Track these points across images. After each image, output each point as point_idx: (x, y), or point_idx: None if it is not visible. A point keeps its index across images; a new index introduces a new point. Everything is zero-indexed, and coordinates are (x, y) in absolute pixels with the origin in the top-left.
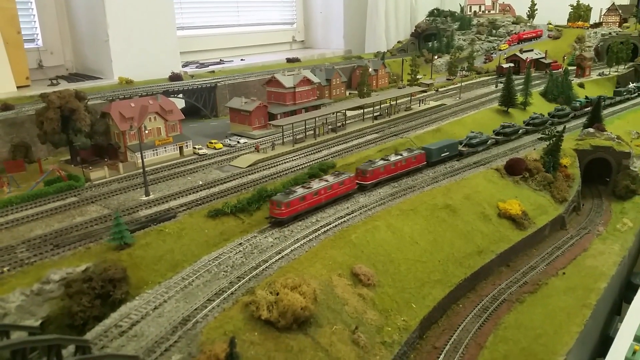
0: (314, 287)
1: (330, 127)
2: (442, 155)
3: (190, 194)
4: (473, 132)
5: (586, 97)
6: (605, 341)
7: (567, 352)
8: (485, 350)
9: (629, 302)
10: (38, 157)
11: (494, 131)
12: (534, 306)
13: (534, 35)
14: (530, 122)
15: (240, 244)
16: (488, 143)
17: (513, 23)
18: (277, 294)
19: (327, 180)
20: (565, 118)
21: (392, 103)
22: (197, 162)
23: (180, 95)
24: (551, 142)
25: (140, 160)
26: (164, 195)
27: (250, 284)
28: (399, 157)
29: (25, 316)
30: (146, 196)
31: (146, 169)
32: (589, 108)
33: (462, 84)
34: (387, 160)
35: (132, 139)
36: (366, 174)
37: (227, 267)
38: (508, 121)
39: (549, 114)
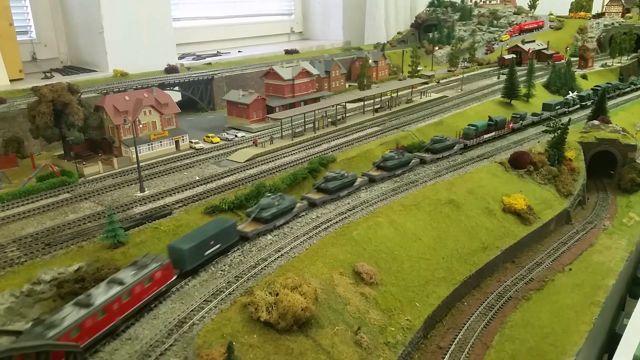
0: (315, 286)
1: (330, 120)
2: (207, 253)
3: (186, 189)
4: (436, 136)
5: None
6: (611, 338)
7: (577, 352)
8: (491, 350)
9: (634, 297)
10: (31, 152)
11: (422, 146)
12: (541, 303)
13: (535, 26)
14: (431, 146)
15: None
16: (412, 163)
17: (514, 14)
18: (277, 294)
19: (122, 283)
20: (447, 151)
21: (393, 95)
22: (193, 156)
23: (177, 88)
24: (556, 134)
25: (135, 155)
26: (159, 191)
27: (248, 284)
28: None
29: (15, 318)
30: (141, 192)
31: (141, 164)
32: (489, 135)
33: (464, 75)
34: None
35: (126, 133)
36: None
37: (224, 265)
38: (495, 116)
39: (422, 146)
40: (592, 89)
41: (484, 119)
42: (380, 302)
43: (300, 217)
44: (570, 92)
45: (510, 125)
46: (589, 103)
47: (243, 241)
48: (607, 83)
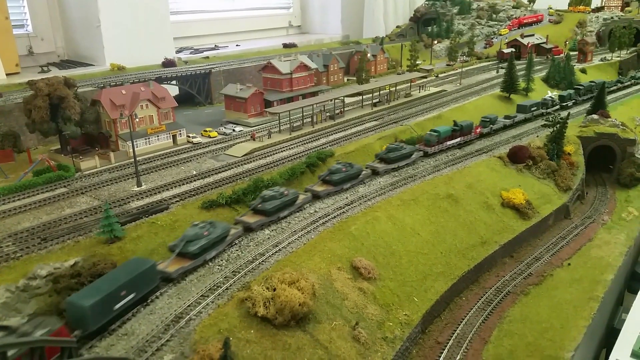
0: (313, 281)
1: (328, 114)
2: (118, 306)
3: (183, 184)
4: (392, 144)
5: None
6: (610, 333)
7: (575, 347)
8: (489, 345)
9: (633, 291)
10: (27, 147)
11: (376, 155)
12: (540, 298)
13: (534, 19)
14: (385, 155)
15: None
16: (362, 175)
17: (513, 7)
18: (274, 289)
19: None
20: (404, 160)
21: (391, 89)
22: (191, 151)
23: (174, 82)
24: (555, 129)
25: (132, 150)
26: (156, 185)
27: (246, 279)
28: None
29: (11, 314)
30: (138, 187)
31: (138, 158)
32: (454, 141)
33: (463, 69)
34: None
35: (123, 128)
36: None
37: (221, 260)
38: (462, 120)
39: (376, 155)
40: (574, 88)
41: (483, 114)
42: (378, 297)
43: (234, 245)
44: (549, 91)
45: (478, 130)
46: (570, 103)
47: (167, 282)
48: (590, 82)
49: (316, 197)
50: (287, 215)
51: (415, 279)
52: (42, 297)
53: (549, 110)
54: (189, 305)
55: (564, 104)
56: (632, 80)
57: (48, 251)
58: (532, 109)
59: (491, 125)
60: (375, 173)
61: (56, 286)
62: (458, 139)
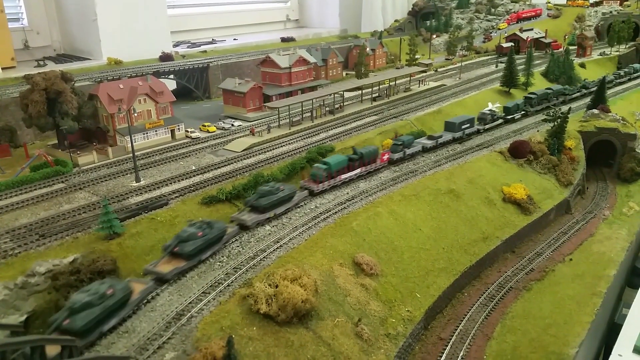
0: (315, 278)
1: (327, 109)
2: None
3: (182, 179)
4: (266, 185)
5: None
6: (610, 328)
7: (579, 343)
8: (492, 341)
9: (634, 286)
10: (24, 142)
11: (246, 203)
12: (542, 294)
13: (533, 14)
14: (256, 202)
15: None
16: (226, 236)
17: (512, 1)
18: (277, 286)
19: None
20: (281, 206)
21: (391, 84)
22: (189, 146)
23: (171, 76)
24: (556, 123)
25: (130, 145)
26: (155, 181)
27: (247, 276)
28: None
29: (9, 311)
30: (137, 182)
31: (136, 153)
32: (350, 174)
33: (462, 63)
34: None
35: (121, 122)
36: None
37: (222, 257)
38: (363, 147)
39: (246, 202)
40: (525, 97)
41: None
42: (380, 293)
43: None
44: (489, 103)
45: (386, 157)
46: (518, 115)
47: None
48: (547, 89)
49: (244, 227)
50: (283, 212)
51: (418, 274)
52: (41, 294)
53: (487, 126)
54: (190, 302)
55: (510, 116)
56: (583, 90)
57: (46, 248)
58: (464, 126)
59: (404, 150)
60: (242, 228)
61: (55, 283)
62: (357, 170)
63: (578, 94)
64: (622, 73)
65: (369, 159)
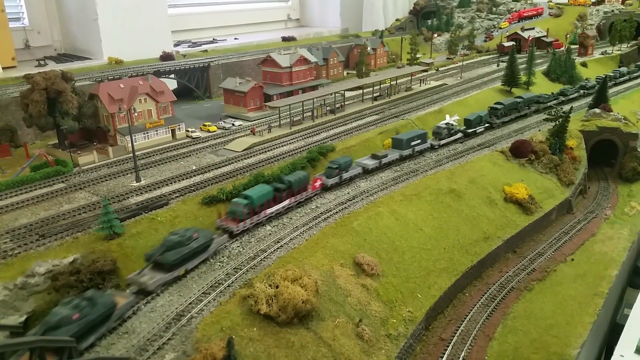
0: (315, 278)
1: (328, 108)
2: None
3: (183, 179)
4: (175, 232)
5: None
6: (612, 328)
7: (581, 344)
8: (494, 342)
9: (636, 287)
10: (24, 142)
11: (147, 258)
12: (544, 294)
13: (534, 13)
14: (161, 256)
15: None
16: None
17: (513, 0)
18: (277, 286)
19: None
20: (190, 262)
21: (392, 83)
22: (190, 145)
23: (172, 76)
24: (557, 123)
25: (130, 144)
26: (155, 181)
27: (248, 276)
28: None
29: (9, 312)
30: (137, 182)
31: (137, 153)
32: (277, 207)
33: (463, 63)
34: None
35: (121, 122)
36: None
37: (223, 257)
38: (292, 174)
39: (146, 256)
40: (489, 108)
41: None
42: (381, 294)
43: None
44: (447, 115)
45: (319, 183)
46: (480, 129)
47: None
48: (517, 97)
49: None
50: (194, 267)
51: (419, 275)
52: (41, 294)
53: (442, 142)
54: (190, 303)
55: (471, 130)
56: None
57: (46, 248)
58: (414, 142)
59: (341, 173)
60: (143, 292)
61: (55, 284)
62: (286, 202)
63: (555, 101)
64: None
65: (298, 187)
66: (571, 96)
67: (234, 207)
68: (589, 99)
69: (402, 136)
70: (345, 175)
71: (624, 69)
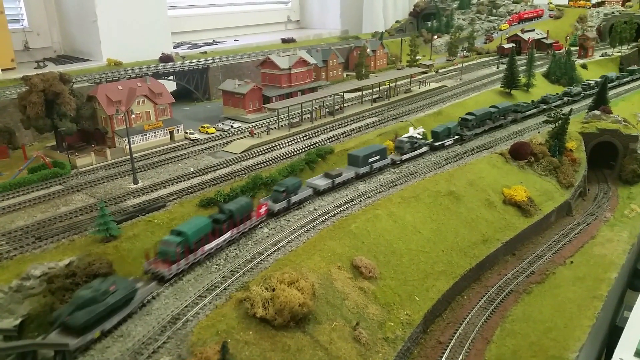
0: (312, 281)
1: (327, 110)
2: None
3: (180, 181)
4: (87, 287)
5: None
6: (611, 331)
7: (580, 347)
8: (492, 345)
9: (635, 289)
10: (22, 143)
11: (53, 321)
12: (542, 297)
13: (534, 14)
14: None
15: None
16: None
17: (513, 2)
18: (274, 289)
19: None
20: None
21: (391, 85)
22: (188, 147)
23: (171, 77)
24: (557, 125)
25: (128, 146)
26: (153, 183)
27: (244, 279)
28: None
29: (4, 315)
30: (134, 184)
31: (135, 155)
32: (208, 249)
33: (463, 65)
34: None
35: (119, 124)
36: None
37: (219, 259)
38: (231, 203)
39: (54, 319)
40: (460, 119)
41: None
42: (379, 297)
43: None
44: (411, 128)
45: (264, 209)
46: (449, 141)
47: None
48: (492, 106)
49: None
50: (113, 326)
51: (417, 277)
52: (36, 297)
53: (405, 157)
54: (186, 306)
55: (438, 143)
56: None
57: (42, 250)
58: (372, 159)
59: (290, 197)
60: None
61: (50, 286)
62: (227, 235)
63: (535, 110)
64: (592, 83)
65: (241, 216)
66: (553, 104)
67: (164, 247)
68: (577, 105)
69: (359, 152)
70: (295, 199)
71: (612, 74)
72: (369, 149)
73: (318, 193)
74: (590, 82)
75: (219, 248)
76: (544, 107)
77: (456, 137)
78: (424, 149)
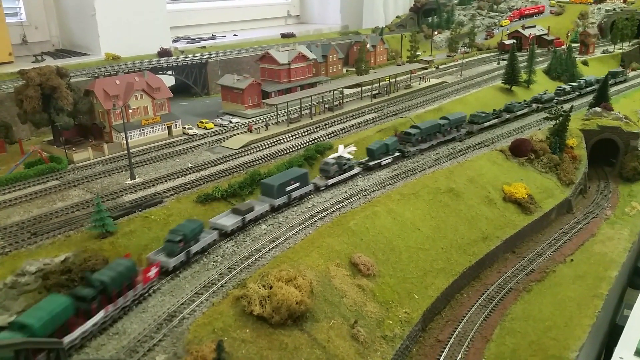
0: (310, 278)
1: (327, 106)
2: None
3: (178, 177)
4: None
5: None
6: (612, 329)
7: (580, 347)
8: (491, 344)
9: (636, 287)
10: (19, 138)
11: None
12: (542, 296)
13: (535, 11)
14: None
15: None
16: None
17: None
18: (271, 287)
19: None
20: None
21: (391, 81)
22: (186, 142)
23: (170, 72)
24: (557, 122)
25: (125, 141)
26: (150, 178)
27: (241, 276)
28: None
29: None
30: (131, 180)
31: (132, 150)
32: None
33: (464, 61)
34: None
35: (117, 118)
36: None
37: (216, 256)
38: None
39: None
40: (404, 133)
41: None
42: (377, 295)
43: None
44: (341, 146)
45: (154, 271)
46: (388, 160)
47: None
48: (442, 118)
49: None
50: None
51: (416, 275)
52: (31, 294)
53: (331, 182)
54: (182, 304)
55: (374, 162)
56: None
57: (38, 246)
58: (290, 187)
59: (189, 247)
60: None
61: (46, 283)
62: (100, 315)
63: (496, 120)
64: (567, 88)
65: (119, 287)
66: (518, 113)
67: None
68: (567, 105)
69: (273, 180)
70: (195, 249)
71: (582, 82)
72: (286, 175)
73: (226, 235)
74: (565, 86)
75: (85, 337)
76: (507, 116)
77: (397, 154)
78: (356, 170)
